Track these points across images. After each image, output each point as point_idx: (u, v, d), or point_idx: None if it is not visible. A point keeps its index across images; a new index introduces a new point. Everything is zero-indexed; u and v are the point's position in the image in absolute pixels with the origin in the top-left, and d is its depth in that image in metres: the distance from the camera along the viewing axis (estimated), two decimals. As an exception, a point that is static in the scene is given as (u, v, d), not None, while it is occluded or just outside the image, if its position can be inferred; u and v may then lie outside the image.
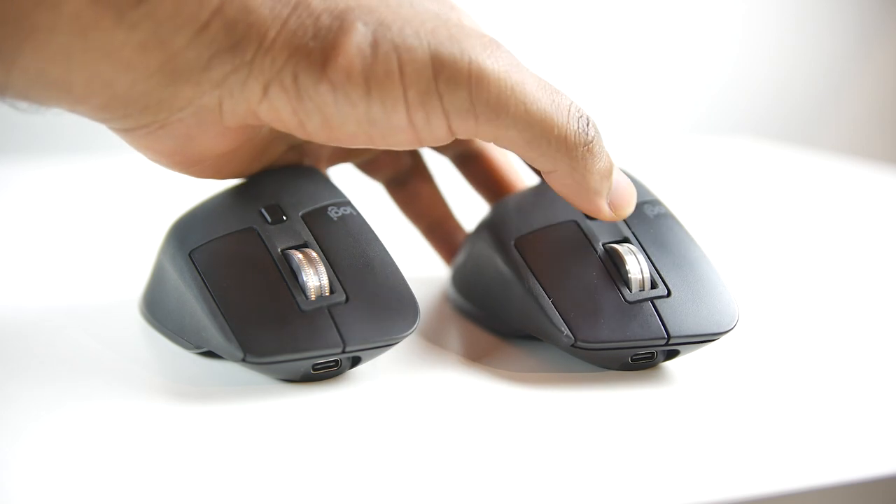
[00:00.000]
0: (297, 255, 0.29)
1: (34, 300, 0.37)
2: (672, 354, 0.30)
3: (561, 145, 0.28)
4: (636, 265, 0.30)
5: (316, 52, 0.27)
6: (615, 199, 0.30)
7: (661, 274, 0.30)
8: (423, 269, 0.40)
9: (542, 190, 0.34)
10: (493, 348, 0.33)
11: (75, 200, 0.58)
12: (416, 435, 0.27)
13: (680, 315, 0.29)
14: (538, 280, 0.30)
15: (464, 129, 0.28)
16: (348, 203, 0.31)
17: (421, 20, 0.28)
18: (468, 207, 0.40)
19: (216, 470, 0.24)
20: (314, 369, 0.29)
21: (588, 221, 0.32)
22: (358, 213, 0.31)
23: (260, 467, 0.24)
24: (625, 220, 0.32)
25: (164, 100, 0.28)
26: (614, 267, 0.30)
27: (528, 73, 0.29)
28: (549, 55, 0.89)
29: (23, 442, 0.25)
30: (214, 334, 0.28)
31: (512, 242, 0.32)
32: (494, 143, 0.29)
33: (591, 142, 0.29)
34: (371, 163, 0.38)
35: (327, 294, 0.28)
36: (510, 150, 0.29)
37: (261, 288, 0.28)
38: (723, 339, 0.30)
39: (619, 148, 0.79)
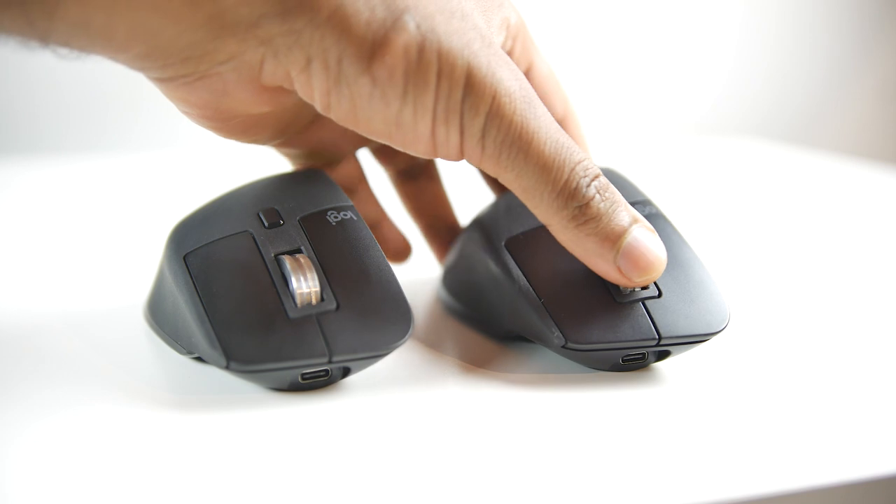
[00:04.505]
0: (289, 261, 0.28)
1: (35, 302, 0.37)
2: (663, 355, 0.30)
3: (552, 202, 0.28)
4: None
5: (365, 43, 0.27)
6: (625, 265, 0.29)
7: (652, 275, 0.30)
8: (421, 270, 0.40)
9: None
10: (485, 351, 0.33)
11: (78, 201, 0.58)
12: (410, 439, 0.27)
13: (671, 316, 0.29)
14: (529, 281, 0.31)
15: (471, 156, 0.28)
16: (350, 207, 0.31)
17: (468, 38, 0.28)
18: (468, 208, 0.40)
19: (210, 476, 0.24)
20: (303, 378, 0.28)
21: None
22: (358, 218, 0.31)
23: (253, 475, 0.24)
24: None
25: (207, 52, 0.27)
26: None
27: (544, 123, 0.28)
28: (551, 56, 0.89)
29: (20, 444, 0.25)
30: (201, 340, 0.28)
31: (502, 243, 0.32)
32: (500, 181, 0.29)
33: (586, 203, 0.28)
34: (387, 150, 0.38)
35: (317, 301, 0.28)
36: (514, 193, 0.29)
37: (250, 293, 0.28)
38: (714, 339, 0.30)
39: (620, 148, 0.79)
